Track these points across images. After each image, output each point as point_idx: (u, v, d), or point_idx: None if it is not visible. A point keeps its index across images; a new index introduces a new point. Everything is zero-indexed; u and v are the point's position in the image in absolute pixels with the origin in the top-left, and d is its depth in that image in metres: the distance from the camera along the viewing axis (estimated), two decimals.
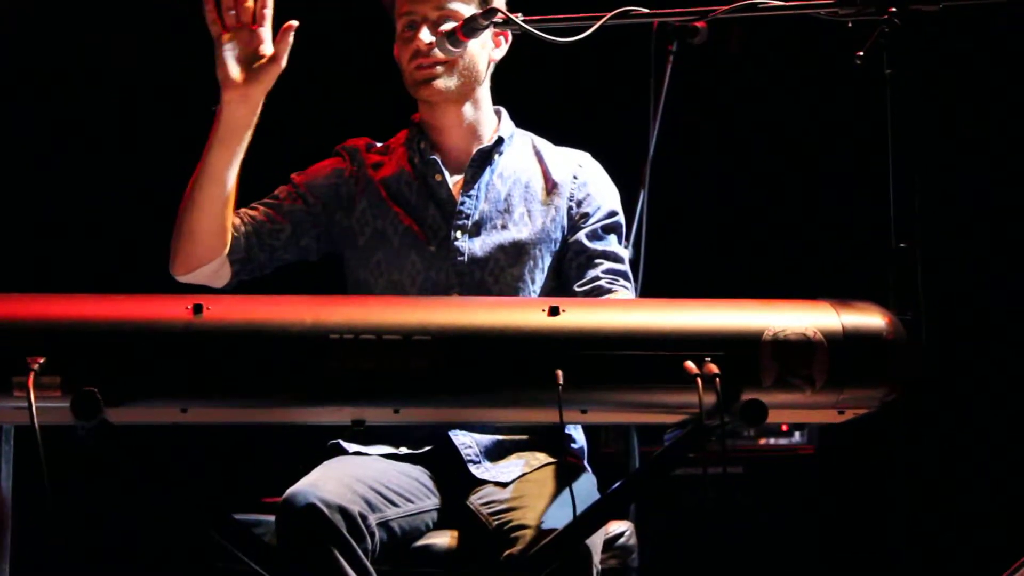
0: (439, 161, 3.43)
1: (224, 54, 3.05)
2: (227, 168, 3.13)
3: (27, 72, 5.34)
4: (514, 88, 3.56)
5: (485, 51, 3.42)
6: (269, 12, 3.05)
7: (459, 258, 3.34)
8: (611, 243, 3.41)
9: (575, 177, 3.45)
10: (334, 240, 3.43)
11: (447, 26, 3.25)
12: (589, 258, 3.37)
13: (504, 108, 3.53)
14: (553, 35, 3.13)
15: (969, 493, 5.16)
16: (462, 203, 3.38)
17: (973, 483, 5.18)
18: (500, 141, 3.46)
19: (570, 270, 3.38)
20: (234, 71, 3.05)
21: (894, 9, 2.91)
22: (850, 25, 2.97)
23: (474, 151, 3.44)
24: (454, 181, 3.43)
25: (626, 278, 3.37)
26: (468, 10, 3.31)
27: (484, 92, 3.47)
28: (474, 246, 3.35)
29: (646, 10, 3.12)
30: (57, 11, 5.32)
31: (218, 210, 3.17)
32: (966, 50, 5.14)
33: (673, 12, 3.13)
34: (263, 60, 3.06)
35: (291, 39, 3.03)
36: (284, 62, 3.05)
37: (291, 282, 3.35)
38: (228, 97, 3.08)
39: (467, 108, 3.44)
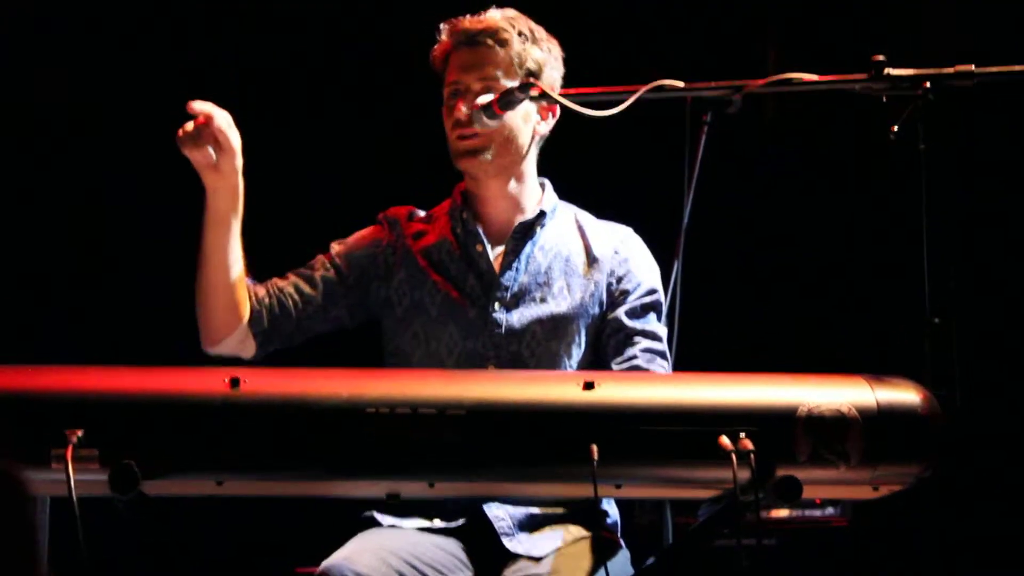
0: (481, 232, 3.44)
1: (189, 155, 3.12)
2: (223, 249, 3.21)
3: (55, 135, 5.38)
4: (547, 156, 3.57)
5: (528, 125, 3.43)
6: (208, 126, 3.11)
7: (496, 330, 3.34)
8: (650, 321, 3.40)
9: (616, 252, 3.45)
10: (371, 309, 3.45)
11: (483, 99, 3.26)
12: (627, 336, 3.36)
13: (548, 180, 3.55)
14: (589, 108, 3.14)
15: (1006, 569, 5.12)
16: (502, 275, 3.40)
17: (1009, 559, 5.14)
18: (542, 214, 3.47)
19: (608, 347, 3.37)
20: (202, 163, 3.12)
21: (928, 85, 2.92)
22: (885, 100, 2.98)
23: (516, 223, 3.45)
24: (495, 252, 3.44)
25: (664, 357, 3.36)
26: (512, 84, 3.31)
27: (528, 165, 3.48)
28: (512, 318, 3.35)
29: (681, 84, 3.13)
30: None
31: (223, 289, 3.25)
32: (1003, 123, 5.14)
33: (707, 86, 3.13)
34: (219, 152, 3.12)
35: (224, 128, 3.10)
36: (235, 147, 3.11)
37: (328, 349, 3.37)
38: (207, 185, 3.17)
39: (510, 181, 3.46)
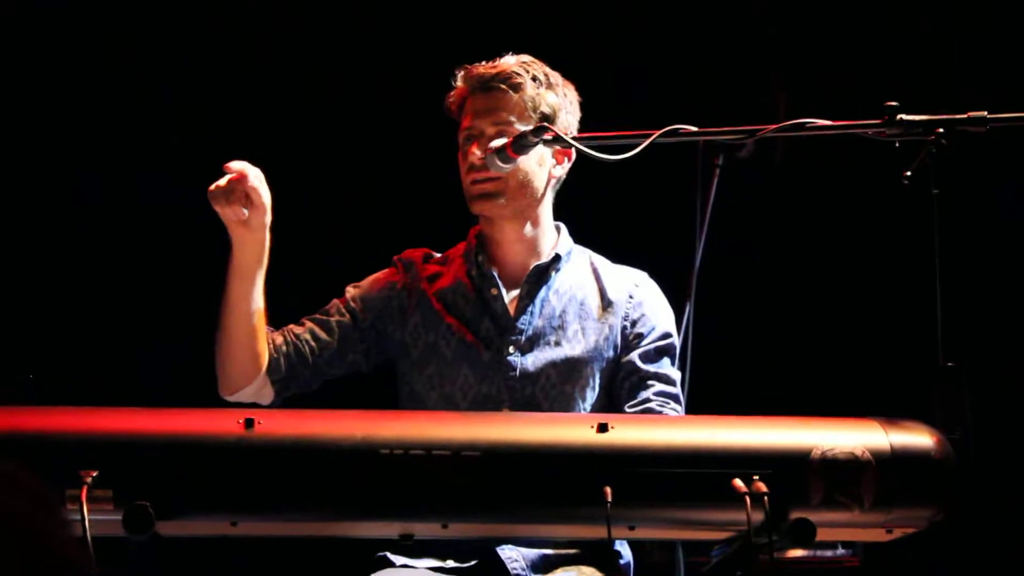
0: (496, 275, 3.45)
1: (219, 210, 3.13)
2: (246, 299, 3.22)
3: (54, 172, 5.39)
4: (558, 199, 3.58)
5: (544, 169, 3.44)
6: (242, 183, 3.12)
7: (511, 373, 3.35)
8: (664, 365, 3.41)
9: (631, 296, 3.46)
10: (387, 352, 3.46)
11: (497, 143, 3.27)
12: (641, 379, 3.37)
13: (563, 224, 3.55)
14: (602, 152, 3.15)
15: None
16: (517, 318, 3.40)
17: None
18: (557, 258, 3.48)
19: (621, 390, 3.38)
20: (232, 218, 3.13)
21: (941, 130, 2.92)
22: (897, 145, 2.98)
23: (531, 266, 3.46)
24: (510, 296, 3.44)
25: (677, 401, 3.36)
26: (526, 128, 3.30)
27: (544, 209, 3.49)
28: (526, 362, 3.36)
29: (695, 128, 3.13)
30: None
31: (244, 340, 3.27)
32: (1017, 166, 5.14)
33: (721, 131, 3.14)
34: (249, 208, 3.14)
35: (256, 186, 3.11)
36: (265, 204, 3.12)
37: (343, 391, 3.38)
38: (234, 239, 3.18)
39: (526, 225, 3.47)
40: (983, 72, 5.13)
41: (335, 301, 3.47)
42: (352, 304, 3.45)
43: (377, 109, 5.43)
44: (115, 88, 5.33)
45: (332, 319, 3.43)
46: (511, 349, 3.37)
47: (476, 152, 3.37)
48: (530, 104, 3.39)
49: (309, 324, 3.42)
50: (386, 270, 3.53)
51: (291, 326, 3.40)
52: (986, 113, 2.94)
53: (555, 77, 3.46)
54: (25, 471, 1.67)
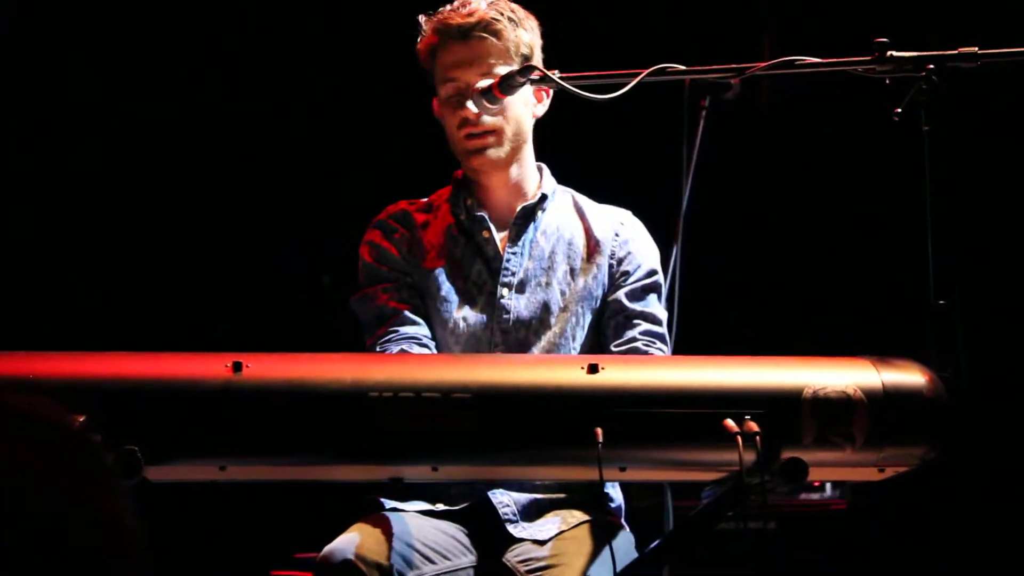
0: (487, 218, 3.43)
1: None
2: None
3: (53, 120, 5.37)
4: (546, 141, 3.56)
5: (528, 109, 3.42)
6: None
7: (504, 316, 3.33)
8: (650, 303, 3.39)
9: (616, 235, 3.44)
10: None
11: (483, 83, 3.24)
12: (627, 318, 3.35)
13: (545, 164, 3.53)
14: (589, 92, 3.13)
15: (1007, 552, 5.12)
16: (507, 260, 3.39)
17: (1010, 542, 5.14)
18: (543, 198, 3.46)
19: (608, 329, 3.36)
20: None
21: (932, 66, 2.91)
22: (888, 82, 2.97)
23: (518, 208, 3.44)
24: (499, 237, 3.42)
25: (663, 340, 3.35)
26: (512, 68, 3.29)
27: (528, 150, 3.46)
28: (519, 304, 3.34)
29: (682, 67, 3.12)
30: None
31: None
32: (1008, 104, 5.13)
33: (709, 69, 3.12)
34: None
35: None
36: None
37: (334, 336, 3.36)
38: None
39: (513, 168, 3.44)
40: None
41: (380, 295, 3.38)
42: (395, 286, 3.39)
43: (343, 54, 5.40)
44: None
45: (405, 306, 3.36)
46: (504, 292, 3.35)
47: (471, 107, 3.32)
48: (512, 48, 3.35)
49: (406, 323, 3.35)
50: (375, 234, 3.44)
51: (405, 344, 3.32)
52: (977, 49, 2.92)
53: (520, 11, 3.42)
54: (62, 415, 1.52)
